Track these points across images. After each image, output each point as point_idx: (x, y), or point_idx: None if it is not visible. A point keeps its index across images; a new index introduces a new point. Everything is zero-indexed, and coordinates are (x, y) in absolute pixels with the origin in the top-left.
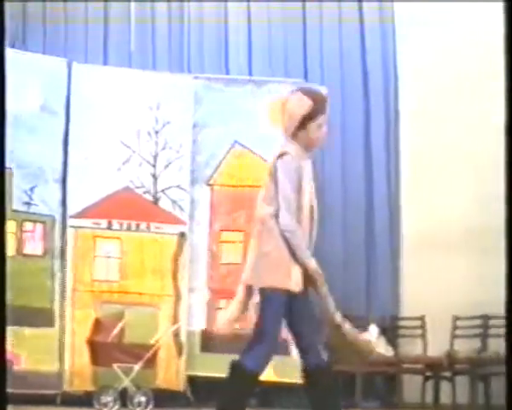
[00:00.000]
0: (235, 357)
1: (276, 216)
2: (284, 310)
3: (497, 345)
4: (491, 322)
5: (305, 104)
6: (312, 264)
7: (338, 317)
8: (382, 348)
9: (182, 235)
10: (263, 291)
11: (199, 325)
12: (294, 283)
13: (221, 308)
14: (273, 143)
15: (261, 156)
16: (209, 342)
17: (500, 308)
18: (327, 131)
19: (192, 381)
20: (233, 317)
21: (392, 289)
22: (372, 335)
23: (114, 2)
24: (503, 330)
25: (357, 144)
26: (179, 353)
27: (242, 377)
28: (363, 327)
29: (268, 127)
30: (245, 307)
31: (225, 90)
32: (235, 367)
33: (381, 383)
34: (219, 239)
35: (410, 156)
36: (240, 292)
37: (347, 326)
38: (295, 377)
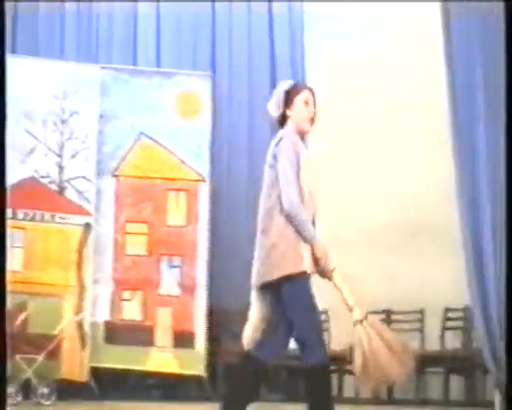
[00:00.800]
0: (138, 348)
1: (279, 205)
2: (308, 291)
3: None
4: (394, 317)
5: (287, 82)
6: (319, 241)
7: (356, 312)
8: None
9: (87, 226)
10: (281, 283)
11: (103, 316)
12: (306, 263)
13: (125, 300)
14: (180, 135)
15: (167, 148)
16: (113, 333)
17: (403, 303)
18: (316, 114)
19: (96, 372)
20: (255, 326)
21: None
22: None
23: None
24: (405, 325)
25: (265, 140)
26: (83, 344)
27: (318, 374)
28: None
29: (175, 119)
30: (263, 311)
31: (133, 81)
32: (309, 371)
33: (286, 376)
34: (124, 230)
35: (317, 156)
36: (253, 298)
37: (376, 321)
38: (199, 369)
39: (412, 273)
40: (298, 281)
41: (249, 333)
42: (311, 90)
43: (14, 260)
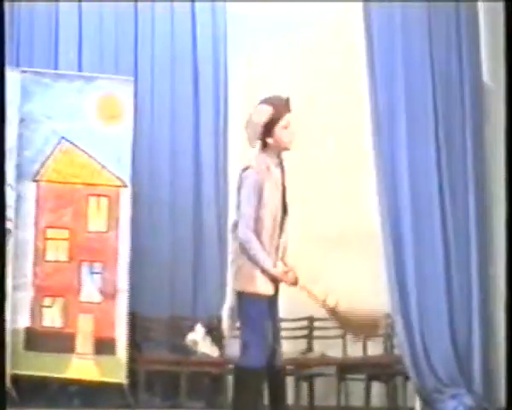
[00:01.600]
0: (59, 356)
1: (236, 226)
2: (265, 309)
3: (322, 346)
4: (316, 324)
5: (266, 112)
6: (273, 270)
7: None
8: (208, 349)
9: (6, 231)
10: (240, 294)
11: (23, 322)
12: (261, 286)
13: (46, 306)
14: (101, 140)
15: (88, 153)
16: (33, 340)
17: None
18: (294, 131)
19: (16, 380)
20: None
21: (220, 289)
22: (198, 335)
23: None
24: (327, 332)
25: (186, 142)
26: (2, 351)
27: (246, 378)
28: (189, 327)
29: (96, 124)
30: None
31: (54, 85)
32: (238, 372)
33: (207, 383)
34: (45, 236)
35: (239, 160)
36: (228, 297)
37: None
38: (120, 377)
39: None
40: (250, 299)
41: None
42: (288, 108)
43: None
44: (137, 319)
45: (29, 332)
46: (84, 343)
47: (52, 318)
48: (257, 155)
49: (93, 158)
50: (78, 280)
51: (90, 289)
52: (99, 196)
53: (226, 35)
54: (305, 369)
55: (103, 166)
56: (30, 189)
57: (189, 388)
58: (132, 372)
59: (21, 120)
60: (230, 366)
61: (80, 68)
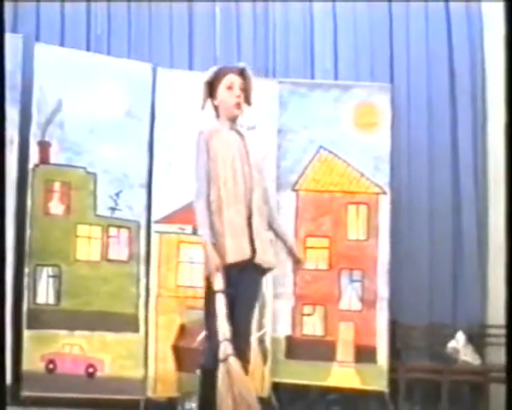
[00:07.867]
0: (320, 364)
1: None
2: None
3: None
4: None
5: (209, 72)
6: (207, 244)
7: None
8: (469, 357)
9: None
10: None
11: (284, 331)
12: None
13: (306, 314)
14: (358, 148)
15: (346, 161)
16: (294, 348)
17: None
18: (241, 94)
19: (276, 387)
20: None
21: (480, 296)
22: (459, 342)
23: (199, 4)
24: None
25: (443, 146)
26: (264, 359)
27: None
28: (450, 334)
29: (353, 132)
30: None
31: (310, 94)
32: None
33: (468, 392)
34: (304, 245)
35: (497, 158)
36: None
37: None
38: (381, 385)
39: None
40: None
41: None
42: (239, 72)
43: (194, 276)
44: (397, 327)
45: (290, 341)
46: (344, 351)
47: (313, 326)
48: (211, 121)
49: (351, 166)
50: (337, 288)
51: (349, 298)
52: (358, 203)
53: (483, 33)
54: None
55: (362, 174)
56: (289, 198)
57: (449, 396)
58: (392, 380)
59: (279, 131)
60: (493, 375)
61: (336, 77)
